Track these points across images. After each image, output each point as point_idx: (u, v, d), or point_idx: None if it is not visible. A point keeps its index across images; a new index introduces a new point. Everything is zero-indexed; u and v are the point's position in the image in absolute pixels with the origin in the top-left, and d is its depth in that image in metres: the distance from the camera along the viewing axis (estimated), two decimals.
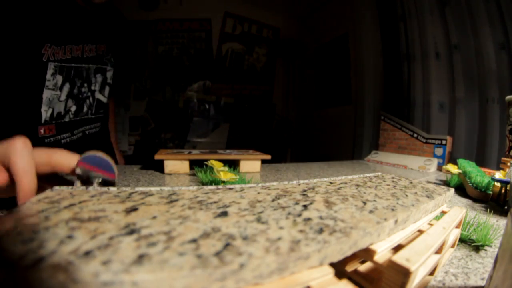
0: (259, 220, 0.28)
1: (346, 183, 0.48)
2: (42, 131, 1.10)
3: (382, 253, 0.30)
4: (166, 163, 1.00)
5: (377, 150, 1.96)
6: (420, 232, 0.38)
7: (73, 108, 1.20)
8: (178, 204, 0.31)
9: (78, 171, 0.46)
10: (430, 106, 2.20)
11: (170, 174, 1.00)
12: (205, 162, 0.91)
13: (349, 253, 0.27)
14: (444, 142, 1.59)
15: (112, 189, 0.34)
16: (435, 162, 1.55)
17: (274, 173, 1.16)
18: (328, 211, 0.32)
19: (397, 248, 0.32)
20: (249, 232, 0.25)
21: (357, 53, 2.90)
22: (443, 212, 0.47)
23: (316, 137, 3.74)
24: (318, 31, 3.68)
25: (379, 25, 2.70)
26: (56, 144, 1.14)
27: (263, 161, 1.18)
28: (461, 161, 1.20)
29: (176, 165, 1.01)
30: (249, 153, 1.16)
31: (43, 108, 1.08)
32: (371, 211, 0.33)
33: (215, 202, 0.33)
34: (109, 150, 1.18)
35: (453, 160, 1.49)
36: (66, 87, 1.13)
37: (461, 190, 0.98)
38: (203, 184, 0.84)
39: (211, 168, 0.89)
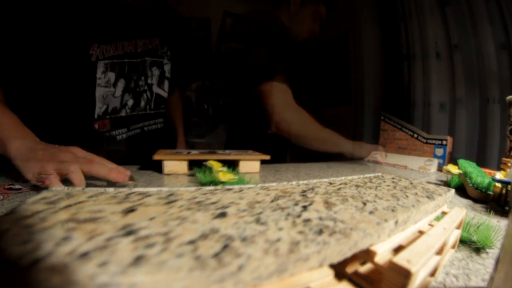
0: (258, 221, 0.28)
1: (345, 183, 0.48)
2: (96, 126, 1.17)
3: (382, 254, 0.30)
4: (165, 163, 1.00)
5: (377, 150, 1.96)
6: (421, 233, 0.38)
7: (130, 103, 1.25)
8: (176, 205, 0.31)
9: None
10: (431, 106, 2.20)
11: (169, 174, 1.00)
12: (204, 163, 0.91)
13: (349, 254, 0.27)
14: (444, 142, 1.59)
15: (110, 189, 0.34)
16: (435, 162, 1.55)
17: (274, 173, 1.16)
18: (328, 212, 0.32)
19: (398, 249, 0.32)
20: (248, 233, 0.25)
21: (357, 53, 2.90)
22: (444, 213, 0.47)
23: None
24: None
25: (379, 25, 2.70)
26: (112, 140, 1.22)
27: (263, 162, 1.18)
28: (461, 161, 1.20)
29: (175, 165, 1.01)
30: (248, 154, 1.16)
31: (97, 105, 1.15)
32: (371, 212, 0.33)
33: (214, 203, 0.32)
34: (173, 147, 1.21)
35: (453, 161, 1.49)
36: (121, 83, 1.20)
37: (461, 190, 0.98)
38: (202, 184, 0.84)
39: (210, 169, 0.88)
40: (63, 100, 1.11)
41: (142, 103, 1.29)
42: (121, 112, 1.22)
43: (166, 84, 1.40)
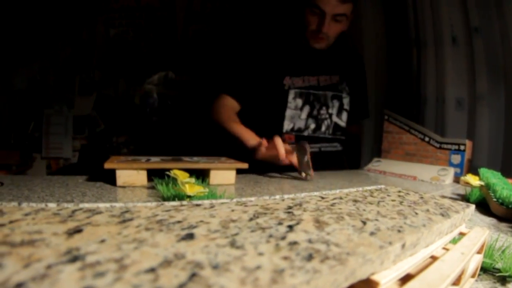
0: (233, 244, 0.28)
1: (341, 198, 0.49)
2: (283, 138, 1.78)
3: (386, 284, 0.30)
4: (118, 173, 0.99)
5: (379, 157, 1.98)
6: (434, 258, 0.39)
7: (312, 126, 1.94)
8: (132, 225, 0.31)
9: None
10: (445, 103, 2.21)
11: (123, 187, 1.00)
12: (167, 172, 0.91)
13: (345, 285, 0.27)
14: (462, 147, 1.61)
15: (51, 205, 0.34)
16: (451, 172, 1.57)
17: (253, 185, 1.16)
18: (319, 233, 0.32)
19: (405, 279, 0.32)
20: (221, 259, 0.25)
21: (355, 39, 2.90)
22: (462, 234, 0.48)
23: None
24: None
25: (383, 4, 2.71)
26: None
27: (239, 171, 1.18)
28: (483, 171, 1.21)
29: (131, 175, 1.00)
30: (221, 161, 1.16)
31: (285, 122, 1.90)
32: (372, 233, 0.34)
33: (179, 221, 0.33)
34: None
35: (473, 170, 1.50)
36: (306, 109, 1.90)
37: (483, 206, 0.99)
38: (164, 199, 0.84)
39: (174, 180, 0.88)
40: (262, 115, 1.92)
41: (323, 128, 1.95)
42: (304, 132, 1.92)
43: (344, 115, 2.02)
